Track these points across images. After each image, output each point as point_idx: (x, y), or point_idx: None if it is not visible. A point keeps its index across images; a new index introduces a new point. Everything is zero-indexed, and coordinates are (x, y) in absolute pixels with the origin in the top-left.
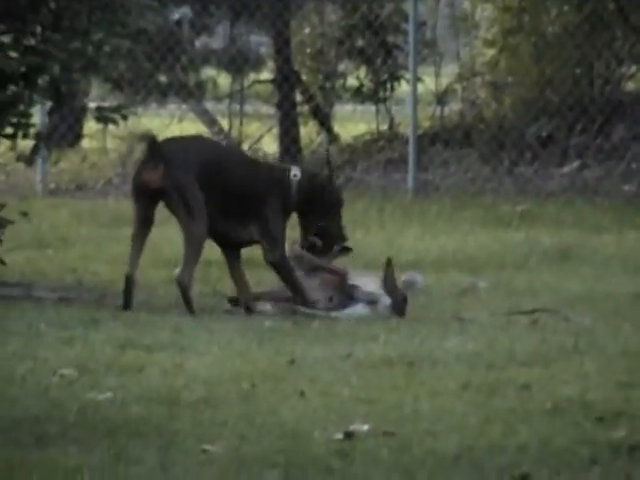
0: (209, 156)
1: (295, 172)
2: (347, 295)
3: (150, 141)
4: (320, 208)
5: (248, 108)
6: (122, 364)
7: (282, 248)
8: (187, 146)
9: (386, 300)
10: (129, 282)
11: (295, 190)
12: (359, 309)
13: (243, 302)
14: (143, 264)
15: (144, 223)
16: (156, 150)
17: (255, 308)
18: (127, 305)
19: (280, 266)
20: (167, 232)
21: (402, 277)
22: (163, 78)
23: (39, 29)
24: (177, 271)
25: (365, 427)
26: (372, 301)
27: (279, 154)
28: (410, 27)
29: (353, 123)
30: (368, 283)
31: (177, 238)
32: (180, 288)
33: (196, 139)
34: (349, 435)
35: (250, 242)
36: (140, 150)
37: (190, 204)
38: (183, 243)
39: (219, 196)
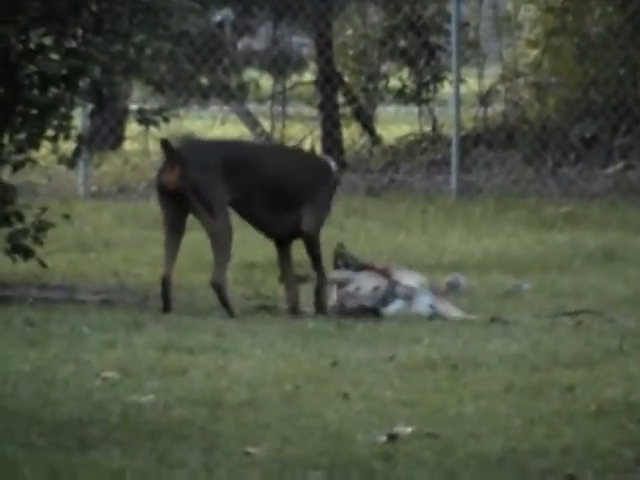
0: (235, 154)
1: (333, 164)
2: (389, 290)
3: (165, 144)
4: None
5: (290, 110)
6: (164, 367)
7: (319, 224)
8: (206, 146)
9: (424, 297)
10: (165, 284)
11: (334, 180)
12: (397, 305)
13: (289, 304)
14: (184, 267)
15: (173, 226)
16: (172, 152)
17: (300, 311)
18: (166, 308)
19: (312, 238)
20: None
21: (445, 279)
22: (205, 80)
23: (80, 31)
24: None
25: (408, 429)
26: (409, 296)
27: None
28: (453, 28)
29: (396, 124)
30: (409, 278)
31: None
32: (215, 290)
33: (218, 140)
34: (392, 437)
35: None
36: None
37: (209, 203)
38: (210, 245)
39: (263, 192)
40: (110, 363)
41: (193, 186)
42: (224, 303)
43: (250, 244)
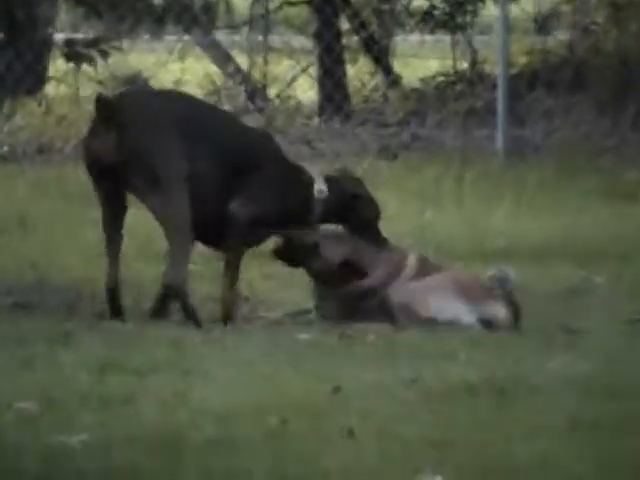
0: (195, 111)
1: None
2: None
3: (99, 100)
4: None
5: (275, 40)
6: (102, 394)
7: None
8: (154, 98)
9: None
10: (112, 293)
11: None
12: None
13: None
14: (127, 256)
15: (112, 210)
16: (106, 110)
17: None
18: (115, 313)
19: (236, 224)
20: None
21: (489, 272)
22: None
23: None
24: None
25: (437, 479)
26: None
27: (318, 103)
28: None
29: (421, 60)
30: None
31: None
32: (172, 293)
33: (168, 91)
34: None
35: None
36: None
37: (158, 177)
38: (164, 234)
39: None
40: (27, 390)
41: (136, 154)
42: (187, 310)
43: None
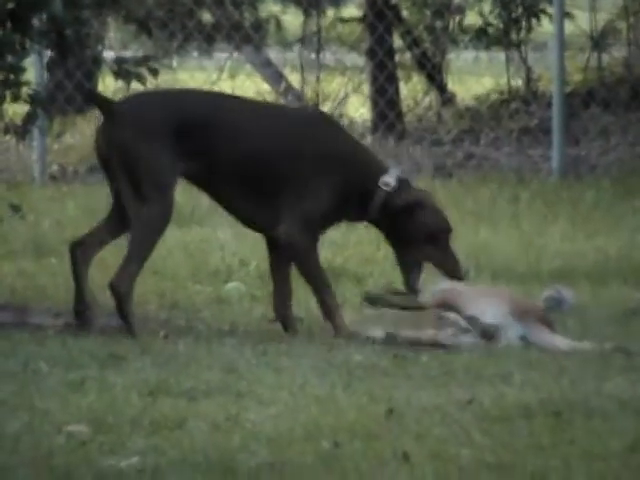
0: (198, 109)
1: (388, 178)
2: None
3: (90, 95)
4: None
5: (328, 57)
6: (154, 417)
7: (307, 227)
8: (153, 99)
9: (512, 330)
10: (73, 253)
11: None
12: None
13: (279, 316)
14: (181, 276)
15: (115, 206)
16: (100, 105)
17: (294, 326)
18: (81, 321)
19: (293, 245)
20: (213, 233)
21: (544, 293)
22: (208, 16)
23: None
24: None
25: None
26: (491, 335)
27: (371, 121)
28: None
29: (475, 77)
30: (488, 309)
31: (228, 242)
32: (114, 296)
33: (176, 90)
34: None
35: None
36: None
37: (138, 179)
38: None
39: (234, 166)
40: (78, 413)
41: (119, 149)
42: (123, 315)
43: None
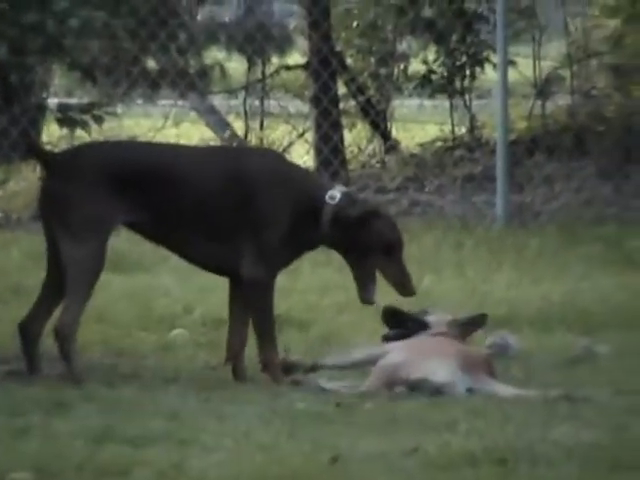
0: (142, 159)
1: (336, 191)
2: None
3: (28, 143)
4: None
5: (272, 105)
6: (99, 465)
7: (268, 268)
8: (95, 151)
9: (460, 385)
10: (23, 333)
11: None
12: None
13: (231, 358)
14: (127, 324)
15: (52, 256)
16: (43, 160)
17: (243, 372)
18: (30, 368)
19: (256, 284)
20: (158, 280)
21: (488, 339)
22: (152, 63)
23: None
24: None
25: None
26: (439, 392)
27: (315, 168)
28: None
29: (419, 125)
30: (438, 369)
31: (172, 289)
32: (58, 340)
33: (121, 142)
34: None
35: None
36: None
37: (69, 223)
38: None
39: (184, 213)
40: (22, 461)
41: (51, 197)
42: (67, 359)
43: (217, 292)
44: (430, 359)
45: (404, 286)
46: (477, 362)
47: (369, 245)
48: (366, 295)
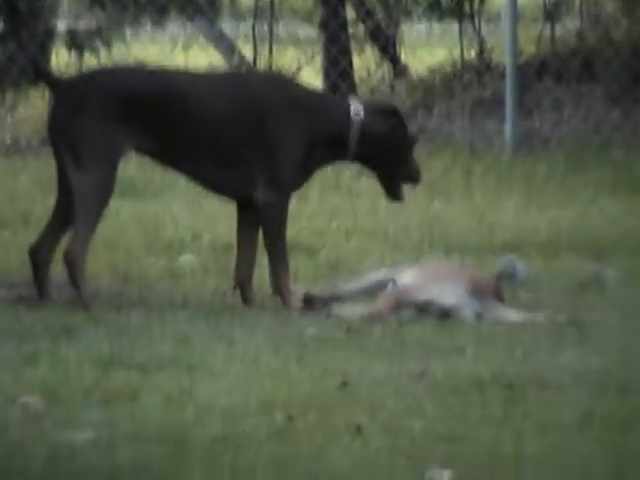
0: (148, 86)
1: (356, 108)
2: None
3: (38, 69)
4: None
5: (281, 29)
6: (107, 390)
7: (283, 193)
8: (102, 77)
9: (468, 309)
10: (34, 258)
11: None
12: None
13: (239, 283)
14: (135, 249)
15: (61, 183)
16: (52, 86)
17: (252, 296)
18: (40, 293)
19: (270, 209)
20: (166, 207)
21: (497, 265)
22: None
23: None
24: None
25: (446, 474)
26: (447, 314)
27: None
28: None
29: (428, 49)
30: (445, 291)
31: (181, 215)
32: (67, 265)
33: (128, 67)
34: None
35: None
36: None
37: (77, 150)
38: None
39: (195, 139)
40: (31, 385)
41: (63, 129)
42: (76, 285)
43: (225, 218)
44: (438, 282)
45: (416, 179)
46: (486, 287)
47: (397, 149)
48: (398, 195)
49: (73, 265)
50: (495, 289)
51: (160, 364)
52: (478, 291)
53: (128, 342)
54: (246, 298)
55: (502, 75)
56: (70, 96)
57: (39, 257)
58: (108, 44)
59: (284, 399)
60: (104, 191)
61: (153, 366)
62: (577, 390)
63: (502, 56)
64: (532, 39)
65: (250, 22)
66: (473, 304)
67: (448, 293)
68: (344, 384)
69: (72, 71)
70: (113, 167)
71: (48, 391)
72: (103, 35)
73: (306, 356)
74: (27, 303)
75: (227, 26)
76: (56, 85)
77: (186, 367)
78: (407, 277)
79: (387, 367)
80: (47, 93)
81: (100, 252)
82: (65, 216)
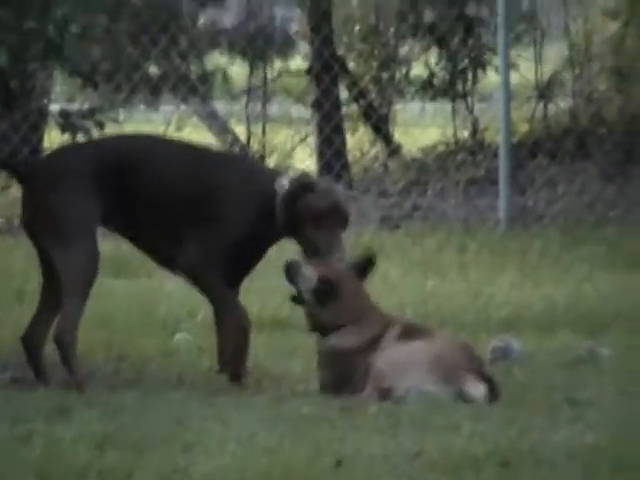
0: (117, 155)
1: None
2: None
3: (6, 167)
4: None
5: (274, 109)
6: (101, 470)
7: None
8: (73, 153)
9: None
10: (28, 347)
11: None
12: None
13: (223, 367)
14: (130, 330)
15: (45, 269)
16: (17, 175)
17: (243, 376)
18: (37, 375)
19: (196, 270)
20: (161, 285)
21: (492, 343)
22: (154, 69)
23: None
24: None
25: None
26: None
27: (317, 173)
28: None
29: (421, 128)
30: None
31: (176, 293)
32: (58, 347)
33: (97, 138)
34: None
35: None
36: None
37: (57, 229)
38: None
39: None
40: (25, 467)
41: (38, 209)
42: (69, 366)
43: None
44: (409, 373)
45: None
46: (455, 362)
47: (304, 219)
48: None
49: (64, 346)
50: (465, 356)
51: (155, 444)
52: (447, 370)
53: (123, 422)
54: (230, 377)
55: (495, 154)
56: (37, 178)
57: (32, 343)
58: (101, 125)
59: (279, 478)
60: (89, 267)
61: (148, 446)
62: (571, 468)
63: (495, 135)
64: (525, 118)
65: (243, 102)
66: (447, 389)
67: (421, 384)
68: (339, 463)
69: None
70: (95, 239)
71: (43, 472)
72: (96, 116)
73: (300, 434)
74: (21, 385)
75: (220, 106)
76: (19, 171)
77: (181, 446)
78: (381, 360)
79: (382, 446)
80: None
81: (94, 331)
82: (53, 298)
